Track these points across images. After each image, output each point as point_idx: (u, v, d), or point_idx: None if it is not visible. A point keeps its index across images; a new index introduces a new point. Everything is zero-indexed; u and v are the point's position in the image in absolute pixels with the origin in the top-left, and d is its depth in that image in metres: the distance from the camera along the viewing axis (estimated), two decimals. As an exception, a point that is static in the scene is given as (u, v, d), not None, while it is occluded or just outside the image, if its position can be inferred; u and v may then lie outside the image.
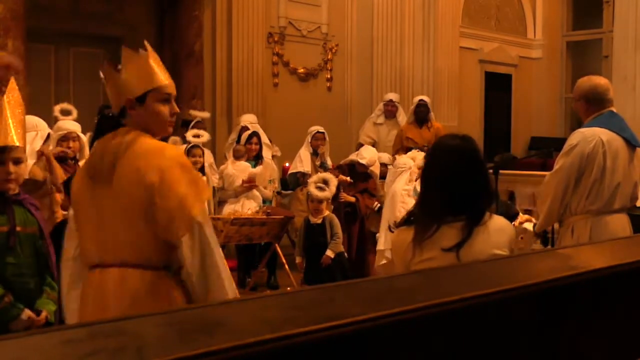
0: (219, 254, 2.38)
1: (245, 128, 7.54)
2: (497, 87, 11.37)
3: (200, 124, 7.27)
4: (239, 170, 6.86)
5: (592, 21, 11.79)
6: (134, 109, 2.44)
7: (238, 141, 7.48)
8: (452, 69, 10.04)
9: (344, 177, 6.73)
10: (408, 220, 2.55)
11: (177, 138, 7.33)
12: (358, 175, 6.91)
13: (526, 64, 11.72)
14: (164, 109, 2.48)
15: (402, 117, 8.39)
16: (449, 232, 2.40)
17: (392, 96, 8.57)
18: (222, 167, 7.11)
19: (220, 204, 6.93)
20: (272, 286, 6.66)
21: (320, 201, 5.91)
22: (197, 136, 6.89)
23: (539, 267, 1.98)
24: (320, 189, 5.92)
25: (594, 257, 2.18)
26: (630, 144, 3.95)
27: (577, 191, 3.87)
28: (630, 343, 2.13)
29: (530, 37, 11.80)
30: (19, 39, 6.42)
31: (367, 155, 6.84)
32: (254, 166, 7.11)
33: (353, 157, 7.00)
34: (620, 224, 3.90)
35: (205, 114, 7.66)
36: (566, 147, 3.94)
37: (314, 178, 6.16)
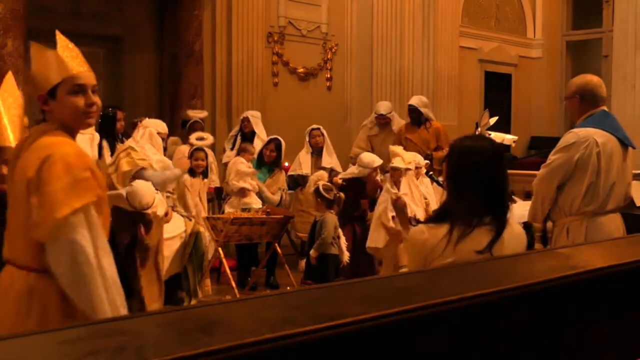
0: (99, 263, 2.20)
1: (245, 119, 7.52)
2: (497, 86, 11.37)
3: (198, 124, 7.25)
4: (232, 165, 6.82)
5: (592, 21, 11.79)
6: (47, 105, 2.32)
7: (242, 137, 7.44)
8: (452, 68, 10.03)
9: (337, 179, 6.67)
10: (438, 217, 2.52)
11: (177, 139, 7.33)
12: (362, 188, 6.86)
13: (526, 63, 11.72)
14: (77, 100, 2.31)
15: (398, 123, 8.20)
16: (479, 233, 2.39)
17: (383, 109, 8.17)
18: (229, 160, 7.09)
19: (227, 196, 6.93)
20: (271, 285, 6.66)
21: (323, 200, 5.93)
22: (201, 139, 6.88)
23: (539, 267, 1.98)
24: (327, 189, 5.96)
25: (593, 257, 2.18)
26: (624, 143, 3.94)
27: (571, 192, 3.86)
28: (630, 342, 2.13)
29: (530, 37, 11.79)
30: (19, 38, 6.41)
31: (367, 158, 6.88)
32: (268, 172, 7.05)
33: (354, 170, 6.91)
34: (614, 224, 3.90)
35: (203, 113, 7.64)
36: (561, 144, 3.94)
37: (321, 176, 6.18)
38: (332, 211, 6.01)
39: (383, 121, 8.18)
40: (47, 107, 2.33)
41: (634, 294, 2.13)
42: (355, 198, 6.39)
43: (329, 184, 6.09)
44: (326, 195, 5.94)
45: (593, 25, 11.72)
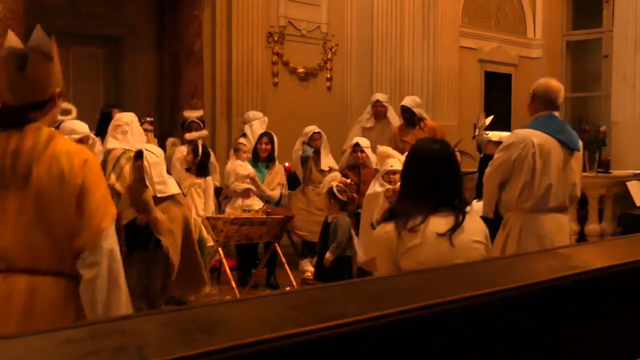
0: (123, 273, 2.32)
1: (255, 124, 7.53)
2: (497, 86, 11.36)
3: (195, 124, 7.24)
4: (231, 168, 6.83)
5: (592, 21, 11.78)
6: (58, 100, 2.33)
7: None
8: (452, 68, 10.03)
9: (344, 179, 6.72)
10: (389, 216, 2.76)
11: (176, 139, 7.32)
12: (360, 172, 7.01)
13: (526, 63, 11.72)
14: None
15: (394, 117, 8.27)
16: (436, 221, 2.63)
17: (380, 96, 8.37)
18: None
19: (226, 198, 6.94)
20: (271, 285, 6.66)
21: (337, 201, 5.91)
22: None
23: (539, 267, 1.98)
24: (341, 191, 5.94)
25: (593, 257, 2.18)
26: (568, 146, 4.13)
27: (510, 189, 4.08)
28: (630, 343, 2.13)
29: (530, 37, 11.79)
30: (19, 38, 6.41)
31: (360, 138, 7.11)
32: (266, 168, 7.08)
33: (347, 153, 7.12)
34: (555, 222, 4.08)
35: (199, 112, 7.61)
36: (503, 144, 4.22)
37: (335, 177, 6.18)
38: (344, 212, 6.00)
39: (379, 109, 8.20)
40: (56, 105, 2.32)
41: (634, 294, 2.13)
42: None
43: (342, 185, 6.07)
44: (340, 196, 5.91)
45: (593, 25, 11.71)
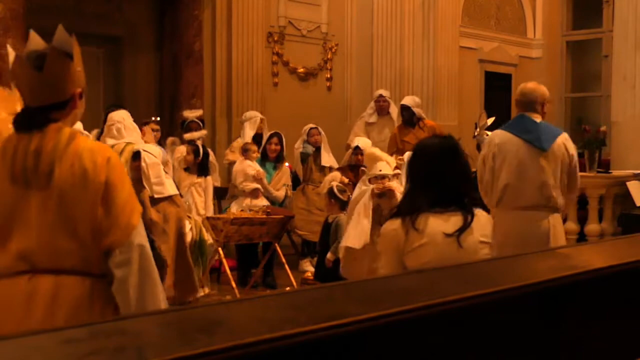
0: (156, 269, 2.32)
1: (262, 120, 7.54)
2: (497, 86, 11.36)
3: (194, 123, 7.24)
4: (240, 168, 6.86)
5: (592, 21, 11.78)
6: (79, 100, 2.31)
7: (255, 137, 7.46)
8: (452, 68, 10.03)
9: (344, 178, 6.74)
10: (396, 212, 2.75)
11: (175, 139, 7.33)
12: (359, 172, 7.00)
13: (526, 63, 11.72)
14: None
15: (395, 112, 8.32)
16: (443, 220, 2.62)
17: (383, 91, 8.48)
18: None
19: (233, 197, 6.96)
20: (268, 284, 6.66)
21: (337, 201, 5.91)
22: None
23: (539, 267, 1.99)
24: (341, 191, 5.94)
25: (594, 257, 2.18)
26: (535, 146, 4.19)
27: (480, 187, 4.31)
28: (630, 343, 2.13)
29: (530, 37, 11.79)
30: (19, 38, 6.41)
31: (360, 140, 7.07)
32: (273, 168, 7.11)
33: (348, 154, 7.14)
34: (527, 220, 4.16)
35: (198, 112, 7.62)
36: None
37: (335, 176, 6.18)
38: (345, 212, 6.00)
39: (383, 104, 8.29)
40: (77, 105, 2.31)
41: (634, 294, 2.13)
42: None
43: (342, 185, 6.06)
44: (340, 196, 5.91)
45: (593, 25, 11.71)
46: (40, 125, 2.23)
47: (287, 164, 7.70)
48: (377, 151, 5.43)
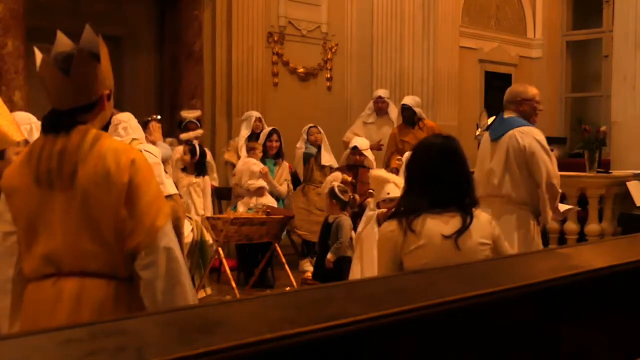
0: (185, 270, 2.28)
1: (258, 119, 7.56)
2: (497, 86, 11.35)
3: (192, 124, 7.23)
4: (245, 167, 6.87)
5: (592, 21, 11.78)
6: (107, 102, 2.30)
7: (251, 136, 7.47)
8: (452, 68, 10.03)
9: (346, 177, 6.76)
10: (394, 213, 2.75)
11: (173, 140, 7.33)
12: (358, 172, 7.04)
13: (526, 63, 11.71)
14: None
15: (394, 113, 8.32)
16: (442, 221, 2.62)
17: (382, 92, 8.48)
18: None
19: (237, 197, 6.97)
20: (268, 284, 6.65)
21: (338, 201, 5.90)
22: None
23: (539, 267, 1.99)
24: (343, 191, 5.94)
25: (594, 257, 2.18)
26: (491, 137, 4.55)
27: None
28: (630, 342, 2.13)
29: (530, 37, 11.79)
30: (19, 38, 6.41)
31: (359, 140, 7.17)
32: (274, 165, 7.15)
33: (346, 154, 7.18)
34: (486, 207, 4.27)
35: (196, 113, 7.61)
36: None
37: (336, 177, 6.18)
38: (345, 213, 5.99)
39: (381, 105, 8.31)
40: (104, 107, 2.29)
41: (634, 294, 2.13)
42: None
43: (343, 185, 6.06)
44: (341, 196, 5.91)
45: (593, 25, 11.71)
46: (68, 127, 2.21)
47: (287, 164, 7.71)
48: (383, 173, 5.31)
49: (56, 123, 2.23)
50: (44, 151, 2.20)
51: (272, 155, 7.16)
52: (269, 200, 6.79)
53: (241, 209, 6.71)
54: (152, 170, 2.30)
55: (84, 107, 2.24)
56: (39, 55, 2.33)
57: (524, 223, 4.37)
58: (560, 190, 4.46)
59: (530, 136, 4.40)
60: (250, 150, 7.02)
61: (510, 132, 4.41)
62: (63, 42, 2.30)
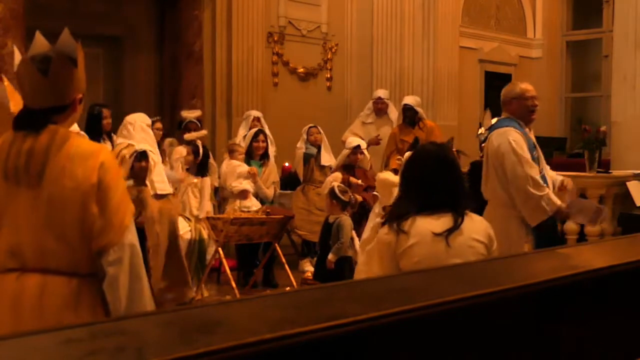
0: (143, 264, 2.36)
1: (256, 119, 7.54)
2: (497, 86, 11.34)
3: (192, 124, 7.22)
4: (229, 169, 6.80)
5: (592, 21, 11.78)
6: (79, 105, 2.36)
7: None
8: (452, 68, 10.03)
9: (355, 180, 6.82)
10: (387, 218, 2.88)
11: (173, 139, 7.31)
12: (355, 172, 7.06)
13: (526, 63, 11.72)
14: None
15: (394, 113, 8.31)
16: (432, 221, 2.70)
17: (381, 93, 8.45)
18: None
19: (224, 200, 6.93)
20: (268, 284, 6.65)
21: (339, 202, 5.89)
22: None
23: (539, 267, 1.99)
24: (343, 191, 5.93)
25: (593, 257, 2.18)
26: None
27: None
28: (630, 342, 2.13)
29: (530, 37, 11.79)
30: (19, 38, 6.41)
31: (356, 140, 7.16)
32: (260, 166, 7.08)
33: (344, 152, 7.17)
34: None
35: (197, 113, 7.60)
36: None
37: (337, 177, 6.16)
38: (346, 213, 5.99)
39: (381, 105, 8.30)
40: (76, 109, 2.34)
41: (634, 294, 2.13)
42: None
43: (344, 185, 6.05)
44: (341, 197, 5.91)
45: (593, 25, 11.71)
46: (39, 126, 2.25)
47: (286, 163, 7.70)
48: (390, 176, 5.20)
49: (28, 121, 2.27)
50: (13, 148, 2.24)
51: (259, 157, 7.10)
52: (253, 203, 6.72)
53: (229, 211, 6.66)
54: (120, 170, 2.38)
55: (57, 108, 2.29)
56: (17, 55, 2.37)
57: (505, 225, 4.14)
58: (538, 193, 4.12)
59: (504, 137, 4.29)
60: (231, 152, 6.95)
61: (491, 133, 4.47)
62: (41, 42, 2.34)
